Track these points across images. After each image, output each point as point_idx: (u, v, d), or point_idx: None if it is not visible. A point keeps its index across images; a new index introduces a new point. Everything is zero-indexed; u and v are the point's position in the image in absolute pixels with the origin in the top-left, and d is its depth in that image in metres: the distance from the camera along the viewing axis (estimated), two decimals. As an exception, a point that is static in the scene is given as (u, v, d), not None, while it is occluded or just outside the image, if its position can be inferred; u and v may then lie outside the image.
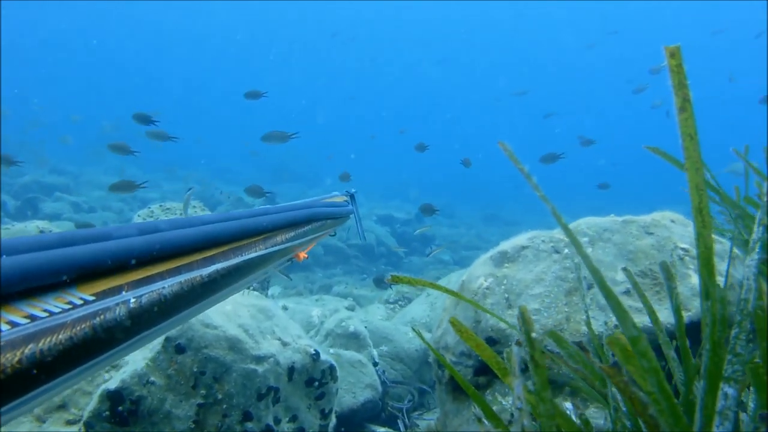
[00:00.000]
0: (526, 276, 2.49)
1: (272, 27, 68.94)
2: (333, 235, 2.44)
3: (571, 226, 2.74)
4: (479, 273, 2.62)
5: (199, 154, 32.56)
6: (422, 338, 1.81)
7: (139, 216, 5.78)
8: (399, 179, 34.76)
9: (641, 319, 2.22)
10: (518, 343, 1.22)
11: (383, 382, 4.83)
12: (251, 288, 5.09)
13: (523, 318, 1.19)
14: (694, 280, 2.36)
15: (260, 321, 3.42)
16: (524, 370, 1.83)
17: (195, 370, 2.99)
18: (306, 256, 1.78)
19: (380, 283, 7.60)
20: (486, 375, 2.40)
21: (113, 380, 2.96)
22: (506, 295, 2.44)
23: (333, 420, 3.60)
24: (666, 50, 1.15)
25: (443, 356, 2.59)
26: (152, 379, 2.94)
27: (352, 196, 2.81)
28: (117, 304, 0.83)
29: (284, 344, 3.38)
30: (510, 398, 2.27)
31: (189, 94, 65.10)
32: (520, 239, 2.72)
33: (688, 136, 1.18)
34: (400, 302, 8.24)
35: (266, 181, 27.81)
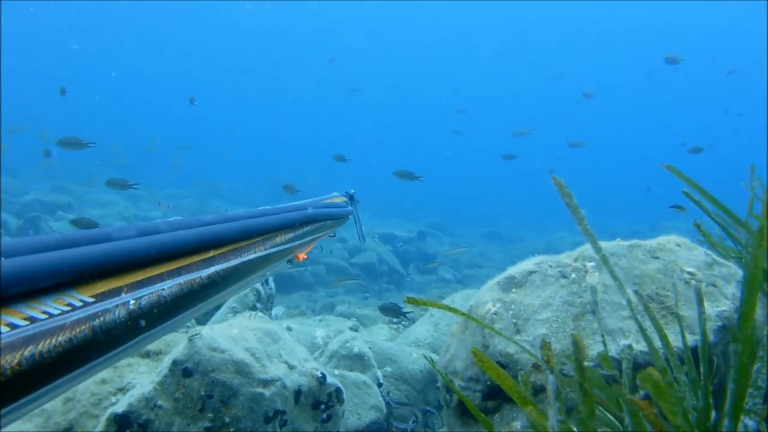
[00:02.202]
0: (534, 301, 2.49)
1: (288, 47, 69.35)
2: (332, 236, 2.43)
3: (578, 251, 2.75)
4: (487, 298, 2.62)
5: (197, 172, 32.56)
6: (434, 366, 1.81)
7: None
8: (400, 198, 34.71)
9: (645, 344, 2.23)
10: (536, 367, 1.23)
11: (388, 403, 4.82)
12: (258, 310, 5.08)
13: (577, 346, 1.18)
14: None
15: (267, 344, 3.42)
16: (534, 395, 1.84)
17: (202, 393, 2.99)
18: (305, 257, 1.79)
19: (386, 311, 7.55)
20: (494, 400, 2.41)
21: (120, 403, 2.96)
22: (514, 320, 2.45)
23: (339, 443, 3.60)
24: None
25: (452, 381, 2.59)
26: (160, 402, 2.94)
27: (351, 197, 2.81)
28: (116, 306, 0.83)
29: (291, 367, 3.38)
30: (518, 423, 2.28)
31: (189, 115, 65.35)
32: (528, 264, 2.72)
33: None
34: (403, 322, 8.22)
35: (263, 198, 27.79)
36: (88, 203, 19.82)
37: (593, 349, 2.26)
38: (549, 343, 1.19)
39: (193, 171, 32.52)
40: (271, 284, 6.15)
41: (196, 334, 3.13)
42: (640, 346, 2.24)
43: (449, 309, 1.75)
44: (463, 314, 1.84)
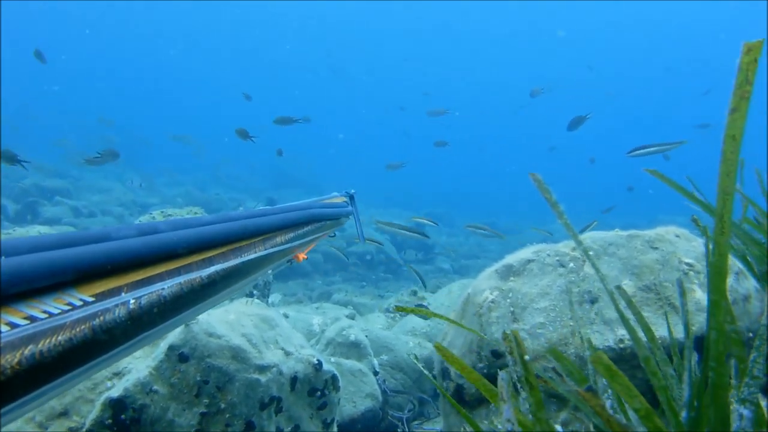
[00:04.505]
0: (532, 289, 2.49)
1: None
2: (333, 237, 2.44)
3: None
4: (485, 286, 2.62)
5: (200, 159, 32.54)
6: (420, 365, 1.80)
7: (140, 222, 5.78)
8: (399, 188, 34.74)
9: (642, 335, 2.23)
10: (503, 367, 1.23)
11: (383, 392, 4.83)
12: (254, 297, 5.08)
13: (516, 341, 1.19)
14: (698, 295, 2.36)
15: (263, 330, 3.42)
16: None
17: (198, 379, 2.99)
18: (305, 257, 1.78)
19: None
20: (491, 388, 2.41)
21: (116, 388, 2.95)
22: (512, 309, 2.44)
23: (335, 430, 3.60)
24: (744, 45, 1.11)
25: (449, 369, 2.59)
26: (155, 387, 2.93)
27: (351, 197, 2.81)
28: (116, 306, 0.83)
29: (287, 354, 3.38)
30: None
31: (194, 100, 65.26)
32: (526, 252, 2.72)
33: (731, 137, 1.16)
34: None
35: (267, 186, 27.84)
36: (87, 189, 19.81)
37: (591, 339, 2.26)
38: (510, 334, 1.19)
39: (193, 159, 32.56)
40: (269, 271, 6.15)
41: (192, 320, 3.13)
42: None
43: (434, 315, 1.75)
44: (452, 321, 1.84)
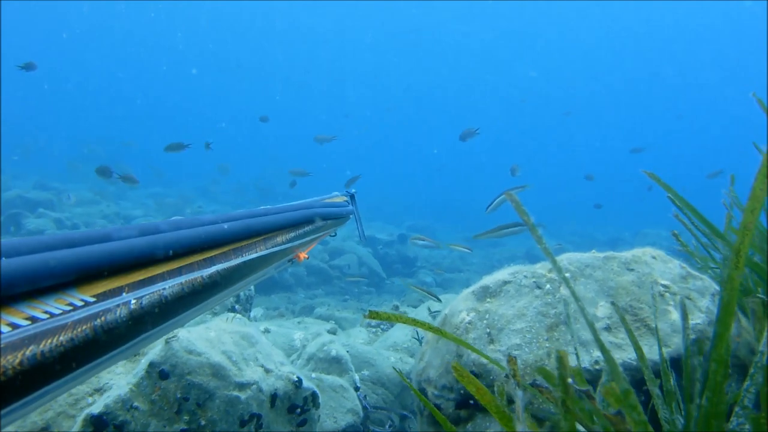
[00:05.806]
0: (508, 311, 2.51)
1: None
2: (333, 236, 2.44)
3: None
4: (461, 307, 2.64)
5: (182, 172, 32.36)
6: (408, 384, 1.82)
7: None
8: (382, 201, 34.68)
9: (621, 356, 2.26)
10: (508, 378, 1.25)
11: (364, 407, 4.82)
12: (237, 312, 5.08)
13: (561, 362, 1.19)
14: (674, 316, 2.39)
15: (243, 348, 3.43)
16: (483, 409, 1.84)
17: (178, 395, 2.99)
18: (306, 256, 1.78)
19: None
20: (467, 408, 2.43)
21: (97, 405, 2.95)
22: (488, 330, 2.47)
23: (315, 446, 3.61)
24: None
25: (426, 389, 2.61)
26: (136, 404, 2.94)
27: (352, 197, 2.82)
28: (118, 306, 0.84)
29: (267, 371, 3.39)
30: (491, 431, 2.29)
31: (177, 111, 64.90)
32: (502, 274, 2.74)
33: (765, 174, 1.15)
34: (382, 326, 8.22)
35: (249, 199, 27.70)
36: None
37: (566, 360, 2.29)
38: (515, 357, 1.20)
39: (178, 172, 32.43)
40: (250, 286, 6.14)
41: (172, 337, 3.13)
42: (624, 356, 2.26)
43: (416, 323, 1.76)
44: (435, 329, 1.86)
